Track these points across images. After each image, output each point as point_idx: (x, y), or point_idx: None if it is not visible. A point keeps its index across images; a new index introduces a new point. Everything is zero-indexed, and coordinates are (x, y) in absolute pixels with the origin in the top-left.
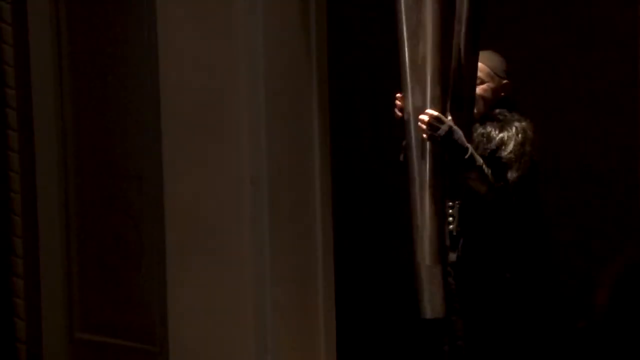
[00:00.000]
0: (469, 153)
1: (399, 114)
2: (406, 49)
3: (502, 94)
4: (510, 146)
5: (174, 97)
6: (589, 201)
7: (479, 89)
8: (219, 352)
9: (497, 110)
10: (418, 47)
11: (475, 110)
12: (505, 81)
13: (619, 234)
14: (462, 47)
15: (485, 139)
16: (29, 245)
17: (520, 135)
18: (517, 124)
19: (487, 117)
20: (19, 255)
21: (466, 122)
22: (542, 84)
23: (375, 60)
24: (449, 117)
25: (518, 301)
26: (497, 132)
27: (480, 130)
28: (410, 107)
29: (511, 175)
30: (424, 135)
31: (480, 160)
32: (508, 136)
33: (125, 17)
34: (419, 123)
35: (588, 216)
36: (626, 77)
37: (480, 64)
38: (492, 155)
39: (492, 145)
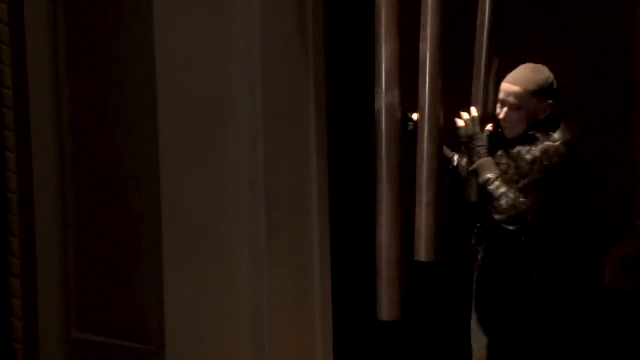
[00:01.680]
0: (474, 166)
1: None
2: (383, 46)
3: (540, 116)
4: (533, 172)
5: (171, 97)
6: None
7: (514, 115)
8: (216, 352)
9: (532, 132)
10: (393, 45)
11: (508, 134)
12: (549, 101)
13: (617, 234)
14: (484, 52)
15: (514, 160)
16: (26, 246)
17: (544, 161)
18: (547, 144)
19: (524, 137)
20: (16, 256)
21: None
22: None
23: (373, 61)
24: (490, 125)
25: (537, 306)
26: (526, 155)
27: (517, 149)
28: (382, 104)
29: (526, 202)
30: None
31: (484, 178)
32: (533, 160)
33: (122, 18)
34: (458, 119)
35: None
36: (624, 76)
37: (515, 88)
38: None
39: (523, 165)
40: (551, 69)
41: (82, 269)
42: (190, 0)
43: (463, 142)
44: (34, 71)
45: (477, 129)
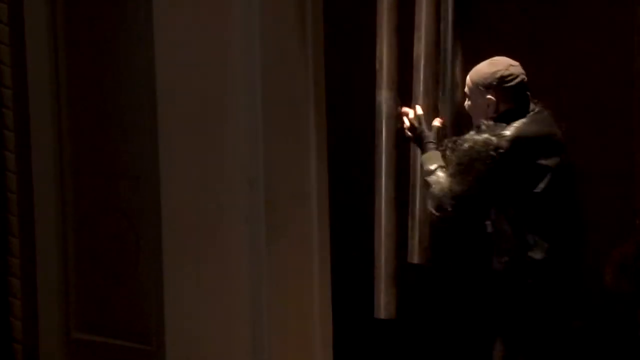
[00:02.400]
0: (420, 161)
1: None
2: (384, 46)
3: (486, 110)
4: (462, 160)
5: (170, 97)
6: (585, 198)
7: (468, 104)
8: (215, 352)
9: (480, 121)
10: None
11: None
12: (488, 97)
13: (615, 232)
14: (449, 46)
15: (455, 147)
16: (26, 245)
17: (475, 150)
18: (484, 136)
19: (476, 126)
20: (15, 255)
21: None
22: (538, 81)
23: (372, 60)
24: (438, 119)
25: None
26: (464, 143)
27: (463, 137)
28: (382, 100)
29: (452, 189)
30: (405, 129)
31: (426, 169)
32: (467, 149)
33: (122, 18)
34: (404, 117)
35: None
36: (624, 76)
37: (467, 77)
38: None
39: (457, 153)
40: (551, 69)
41: (82, 269)
42: (190, 0)
43: (412, 141)
44: (34, 71)
45: (423, 126)
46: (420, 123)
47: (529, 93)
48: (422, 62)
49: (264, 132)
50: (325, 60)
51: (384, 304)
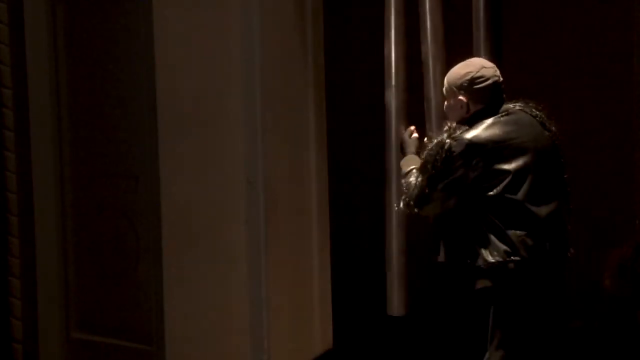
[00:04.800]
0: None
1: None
2: (392, 46)
3: (463, 110)
4: (426, 159)
5: (170, 98)
6: (585, 199)
7: (445, 106)
8: (215, 352)
9: (445, 123)
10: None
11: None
12: (459, 97)
13: (615, 232)
14: (482, 53)
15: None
16: (26, 245)
17: (430, 152)
18: (440, 138)
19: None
20: (15, 255)
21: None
22: (538, 82)
23: (371, 60)
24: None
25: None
26: (430, 144)
27: (436, 138)
28: (392, 101)
29: (416, 187)
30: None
31: (404, 171)
32: (430, 149)
33: (121, 19)
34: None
35: (584, 213)
36: (624, 76)
37: (445, 79)
38: None
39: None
40: (551, 69)
41: (81, 269)
42: (190, 1)
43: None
44: (34, 71)
45: (405, 136)
46: (404, 134)
47: (504, 95)
48: (431, 62)
49: (264, 132)
50: (325, 60)
51: (396, 302)
